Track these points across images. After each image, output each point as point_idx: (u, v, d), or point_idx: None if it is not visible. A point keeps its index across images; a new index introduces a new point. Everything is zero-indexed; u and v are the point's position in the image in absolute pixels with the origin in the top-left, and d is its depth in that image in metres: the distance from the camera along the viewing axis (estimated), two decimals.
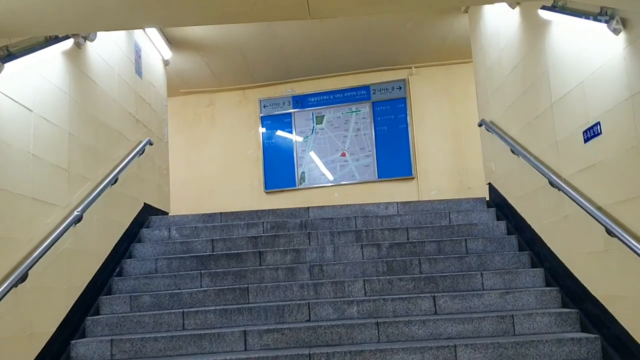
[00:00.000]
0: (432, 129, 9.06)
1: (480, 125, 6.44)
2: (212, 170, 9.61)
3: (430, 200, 6.32)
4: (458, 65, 9.12)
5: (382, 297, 4.53)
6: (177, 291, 4.82)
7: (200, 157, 9.72)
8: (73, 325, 4.40)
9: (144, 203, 6.33)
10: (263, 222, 5.95)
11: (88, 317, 4.52)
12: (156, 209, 6.70)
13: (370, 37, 8.02)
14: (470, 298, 4.47)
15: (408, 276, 4.81)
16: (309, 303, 4.47)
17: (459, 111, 9.04)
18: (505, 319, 4.15)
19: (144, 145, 6.24)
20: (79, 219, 4.45)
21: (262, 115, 9.58)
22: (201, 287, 5.01)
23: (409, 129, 9.08)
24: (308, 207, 6.29)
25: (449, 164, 8.97)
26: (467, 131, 8.90)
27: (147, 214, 6.33)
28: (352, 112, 9.30)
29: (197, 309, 4.55)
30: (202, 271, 5.09)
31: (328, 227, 5.90)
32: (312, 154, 9.31)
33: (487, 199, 6.44)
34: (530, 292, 4.49)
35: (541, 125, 4.86)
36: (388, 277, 4.83)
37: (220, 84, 9.50)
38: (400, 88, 9.19)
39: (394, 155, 9.05)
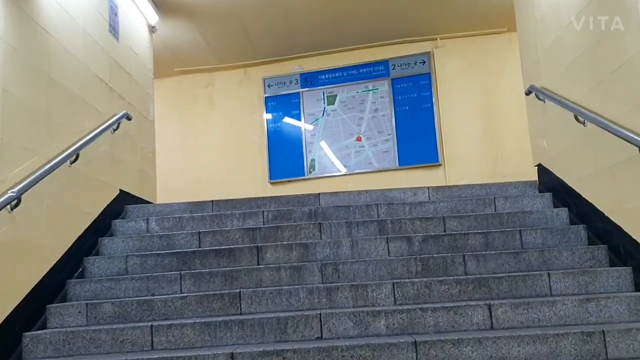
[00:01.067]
0: (461, 109, 7.89)
1: (528, 93, 5.27)
2: (210, 158, 8.50)
3: (468, 185, 5.16)
4: (490, 36, 7.96)
5: (419, 305, 3.37)
6: (149, 297, 3.69)
7: (197, 144, 8.62)
8: (6, 343, 3.29)
9: (120, 190, 5.22)
10: (263, 212, 4.82)
11: (28, 333, 3.40)
12: (137, 197, 5.58)
13: (389, 3, 6.87)
14: (539, 307, 3.30)
15: (451, 278, 3.65)
16: (320, 314, 3.32)
17: (492, 89, 7.89)
18: (593, 336, 2.97)
19: (119, 119, 5.13)
20: (14, 202, 3.34)
21: (266, 95, 8.46)
22: (180, 293, 3.89)
23: (434, 109, 7.91)
24: (319, 194, 5.16)
25: (480, 149, 7.80)
26: (501, 111, 7.79)
27: (124, 203, 5.22)
28: (369, 90, 8.15)
29: (171, 321, 3.42)
30: (182, 272, 3.96)
31: (343, 217, 4.76)
32: (323, 144, 8.16)
33: (537, 183, 5.27)
34: (620, 299, 3.31)
35: (622, 80, 3.70)
36: (424, 279, 3.67)
37: (219, 61, 8.39)
38: (424, 62, 8.03)
39: (417, 140, 7.89)
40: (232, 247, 4.25)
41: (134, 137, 5.71)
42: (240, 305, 3.61)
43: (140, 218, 4.88)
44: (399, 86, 8.04)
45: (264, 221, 4.78)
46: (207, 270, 3.98)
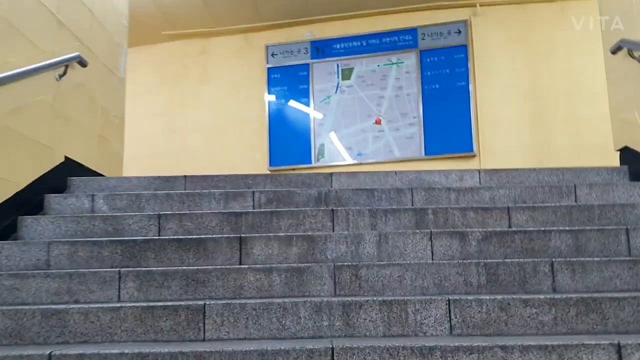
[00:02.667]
0: (502, 89, 6.58)
1: (615, 51, 3.94)
2: (200, 139, 7.22)
3: (532, 169, 3.81)
4: (540, 4, 6.70)
5: (496, 341, 2.03)
6: (63, 307, 2.35)
7: (186, 122, 7.33)
8: None
9: (66, 157, 3.92)
10: (254, 192, 3.50)
11: None
12: (92, 171, 4.27)
13: None
14: None
15: (541, 297, 2.30)
16: (332, 348, 1.99)
17: (540, 67, 6.58)
18: None
19: (67, 62, 3.84)
20: None
21: (269, 66, 7.15)
22: (118, 300, 2.56)
23: (470, 88, 6.59)
24: (331, 173, 3.85)
25: (524, 138, 6.48)
26: (550, 94, 6.53)
27: (70, 175, 3.90)
28: (392, 64, 6.83)
29: (85, 348, 2.08)
30: (122, 269, 2.63)
31: (365, 204, 3.43)
32: (335, 127, 6.85)
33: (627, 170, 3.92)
34: None
35: None
36: (497, 296, 2.32)
37: (216, 23, 7.10)
38: (460, 32, 6.71)
39: (448, 125, 6.56)
40: (203, 236, 2.92)
41: (94, 93, 4.41)
42: (204, 327, 2.27)
43: (84, 194, 3.55)
44: (428, 60, 6.72)
45: (254, 205, 3.46)
46: (161, 268, 2.64)
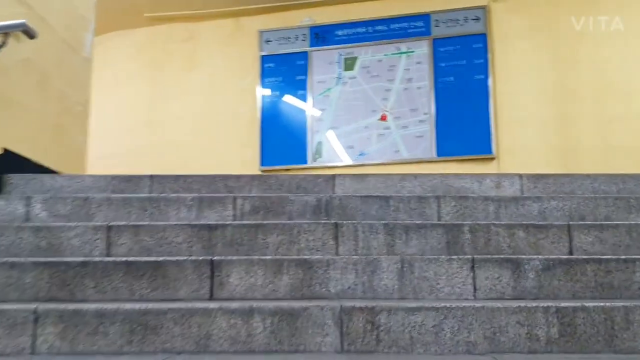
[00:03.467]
0: (525, 83, 5.84)
1: None
2: (185, 134, 6.44)
3: (586, 175, 3.06)
4: None
5: None
6: None
7: (170, 115, 6.55)
8: None
9: (5, 150, 3.15)
10: (236, 198, 2.73)
11: None
12: (43, 167, 3.49)
13: None
14: None
15: None
16: None
17: (568, 59, 5.86)
18: None
19: (7, 29, 3.08)
20: None
21: (263, 54, 6.38)
22: (31, 352, 1.79)
23: (489, 82, 5.84)
24: (333, 175, 3.08)
25: (548, 139, 5.73)
26: (577, 90, 5.75)
27: (10, 172, 3.12)
28: (401, 53, 6.07)
29: None
30: (40, 306, 1.86)
31: (377, 216, 2.67)
32: (335, 123, 6.09)
33: None
34: None
35: None
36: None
37: (204, 5, 6.34)
38: (478, 19, 5.96)
39: (464, 122, 5.81)
40: (161, 259, 2.14)
41: (48, 73, 3.64)
42: None
43: (19, 196, 2.77)
44: (442, 49, 5.96)
45: (235, 215, 2.69)
46: (95, 306, 1.87)
